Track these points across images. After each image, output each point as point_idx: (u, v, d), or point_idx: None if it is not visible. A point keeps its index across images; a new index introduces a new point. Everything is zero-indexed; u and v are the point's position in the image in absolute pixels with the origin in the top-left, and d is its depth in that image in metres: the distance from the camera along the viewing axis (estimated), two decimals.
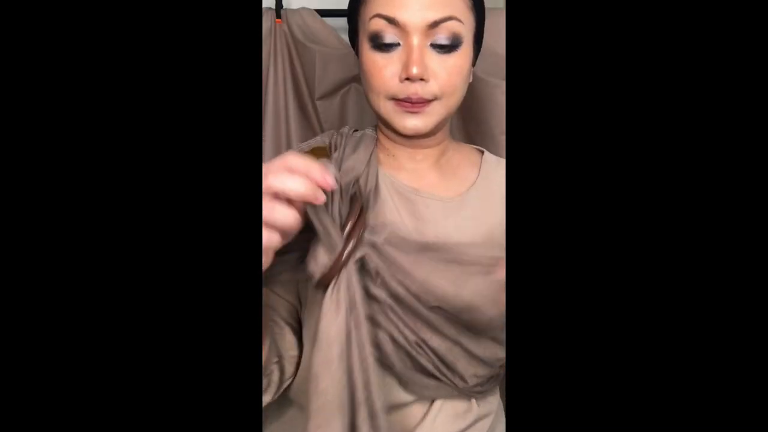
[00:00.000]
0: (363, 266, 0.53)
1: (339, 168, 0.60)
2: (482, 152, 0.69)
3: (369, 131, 0.66)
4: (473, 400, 0.60)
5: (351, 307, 0.50)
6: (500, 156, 0.71)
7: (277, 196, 0.40)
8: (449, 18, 0.54)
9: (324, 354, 0.48)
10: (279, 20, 1.05)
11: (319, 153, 0.64)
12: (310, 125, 1.07)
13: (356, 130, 0.68)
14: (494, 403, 0.64)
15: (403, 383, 0.57)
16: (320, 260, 0.50)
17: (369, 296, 0.53)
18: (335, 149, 0.64)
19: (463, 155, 0.68)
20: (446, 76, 0.56)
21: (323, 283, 0.51)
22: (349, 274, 0.51)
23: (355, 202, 0.55)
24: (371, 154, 0.62)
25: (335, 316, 0.49)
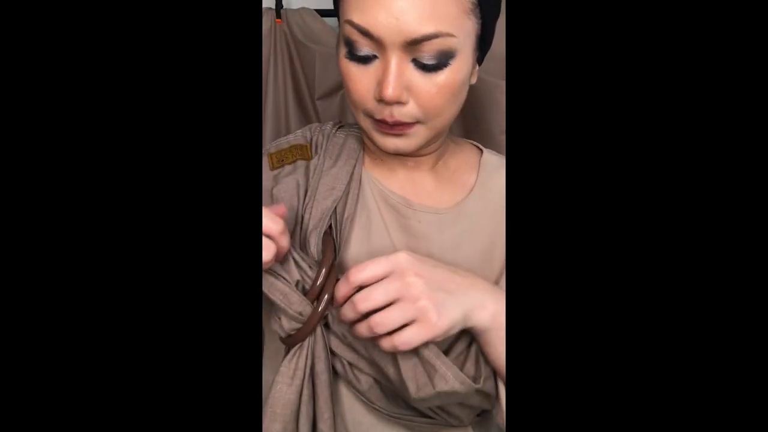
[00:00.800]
0: (328, 325, 0.49)
1: (317, 182, 0.55)
2: (481, 151, 0.62)
3: (354, 133, 0.61)
4: (469, 428, 0.56)
5: (310, 375, 0.47)
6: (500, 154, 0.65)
7: None
8: (436, 35, 0.44)
9: (265, 426, 0.46)
10: (279, 20, 1.05)
11: (298, 151, 0.59)
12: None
13: (341, 126, 0.62)
14: (492, 425, 0.60)
15: (394, 421, 0.52)
16: (284, 324, 0.47)
17: (346, 345, 0.50)
18: (316, 150, 0.59)
19: (461, 157, 0.62)
20: (429, 98, 0.47)
21: (286, 344, 0.48)
22: (316, 337, 0.47)
23: (328, 245, 0.50)
24: (354, 167, 0.56)
25: (287, 387, 0.46)
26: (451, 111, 0.51)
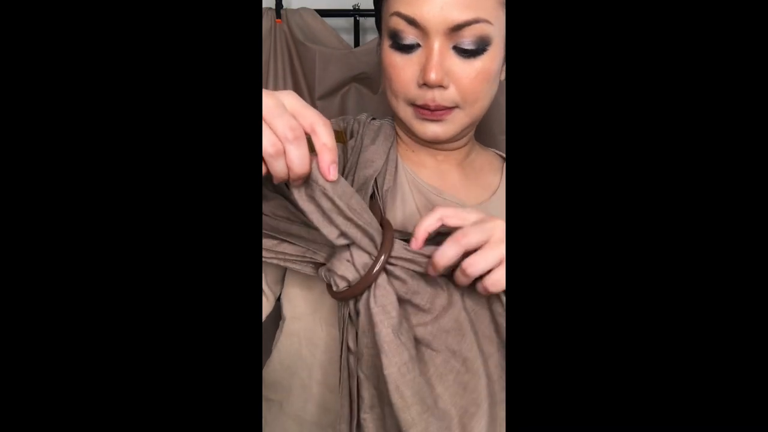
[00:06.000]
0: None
1: (357, 157, 0.57)
2: (504, 158, 0.66)
3: (388, 122, 0.63)
4: None
5: (396, 309, 0.46)
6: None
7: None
8: (476, 21, 0.49)
9: (396, 361, 0.44)
10: (279, 20, 1.05)
11: (335, 136, 0.61)
12: None
13: (374, 119, 0.65)
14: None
15: None
16: (348, 276, 0.46)
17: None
18: (351, 135, 0.61)
19: (486, 159, 0.66)
20: (468, 82, 0.52)
21: (344, 297, 0.47)
22: (382, 279, 0.47)
23: (375, 209, 0.52)
24: (390, 149, 0.59)
25: (389, 321, 0.45)
26: (485, 99, 0.55)
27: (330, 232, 0.44)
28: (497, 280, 0.44)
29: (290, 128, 0.38)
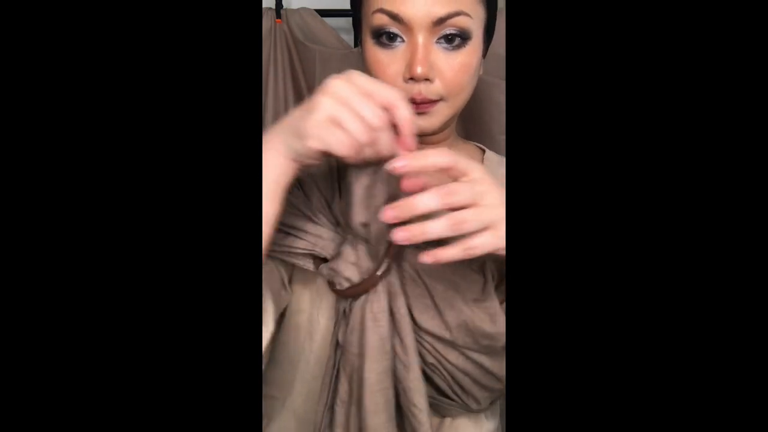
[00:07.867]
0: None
1: None
2: (483, 151, 0.68)
3: None
4: (482, 415, 0.60)
5: (392, 316, 0.47)
6: (500, 155, 0.70)
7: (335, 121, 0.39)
8: (457, 13, 0.51)
9: (376, 368, 0.45)
10: (279, 20, 1.05)
11: None
12: None
13: None
14: (497, 414, 0.64)
15: None
16: (351, 277, 0.46)
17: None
18: None
19: (468, 152, 0.67)
20: (452, 75, 0.54)
21: (349, 294, 0.48)
22: (388, 281, 0.48)
23: None
24: None
25: (377, 329, 0.46)
26: (467, 91, 0.57)
27: (358, 215, 0.45)
28: (483, 244, 0.42)
29: (377, 115, 0.41)
